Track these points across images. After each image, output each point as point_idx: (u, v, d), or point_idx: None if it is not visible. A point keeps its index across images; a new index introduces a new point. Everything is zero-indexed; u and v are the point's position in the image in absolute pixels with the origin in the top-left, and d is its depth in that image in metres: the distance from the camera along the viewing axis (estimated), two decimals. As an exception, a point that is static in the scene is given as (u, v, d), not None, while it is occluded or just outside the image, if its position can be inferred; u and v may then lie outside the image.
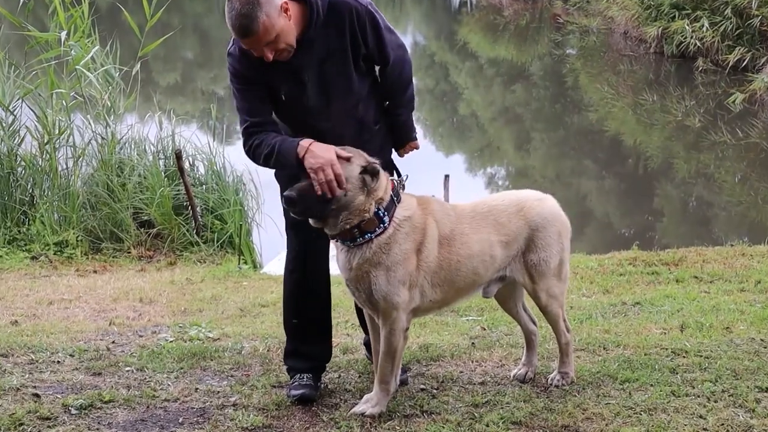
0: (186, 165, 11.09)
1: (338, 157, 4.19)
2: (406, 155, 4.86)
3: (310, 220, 4.31)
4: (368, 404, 4.49)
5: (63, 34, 10.83)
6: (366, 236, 4.26)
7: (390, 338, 4.41)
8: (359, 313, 5.03)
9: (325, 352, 4.93)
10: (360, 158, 4.27)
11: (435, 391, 4.83)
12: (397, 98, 4.69)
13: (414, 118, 4.89)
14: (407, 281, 4.32)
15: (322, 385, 4.85)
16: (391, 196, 4.33)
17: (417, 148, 4.86)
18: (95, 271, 9.43)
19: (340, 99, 4.48)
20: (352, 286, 4.41)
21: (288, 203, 4.20)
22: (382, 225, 4.27)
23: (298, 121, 4.52)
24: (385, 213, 4.28)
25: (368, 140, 4.57)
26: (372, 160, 4.28)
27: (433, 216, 4.42)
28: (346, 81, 4.45)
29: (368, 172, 4.22)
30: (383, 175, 4.32)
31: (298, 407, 4.58)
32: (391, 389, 4.54)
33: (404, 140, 4.80)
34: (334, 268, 4.67)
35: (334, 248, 4.53)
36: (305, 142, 4.25)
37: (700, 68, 22.02)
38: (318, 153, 4.20)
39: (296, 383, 4.74)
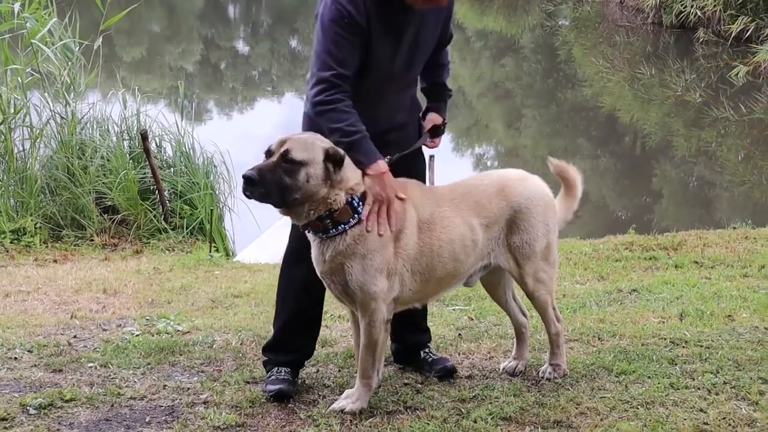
0: (152, 146, 11.07)
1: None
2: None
3: (279, 211, 4.33)
4: (348, 400, 4.50)
5: (17, 6, 10.75)
6: (339, 227, 4.27)
7: (370, 330, 4.42)
8: None
9: (309, 347, 4.97)
10: (323, 142, 4.27)
11: (419, 385, 4.84)
12: (444, 76, 4.99)
13: None
14: (384, 269, 4.33)
15: (300, 381, 4.86)
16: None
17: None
18: (55, 261, 9.40)
19: (416, 70, 4.76)
20: (327, 278, 4.42)
21: (247, 183, 4.17)
22: (356, 215, 4.29)
23: (371, 88, 4.58)
24: (360, 203, 4.30)
25: (413, 122, 4.87)
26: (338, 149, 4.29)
27: (411, 201, 4.43)
28: (427, 53, 4.73)
29: (331, 157, 4.23)
30: (351, 167, 4.31)
31: (274, 404, 4.58)
32: (373, 384, 4.55)
33: (443, 122, 4.99)
34: None
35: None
36: (382, 166, 4.35)
37: (701, 39, 22.11)
38: (387, 183, 4.33)
39: (273, 377, 4.75)
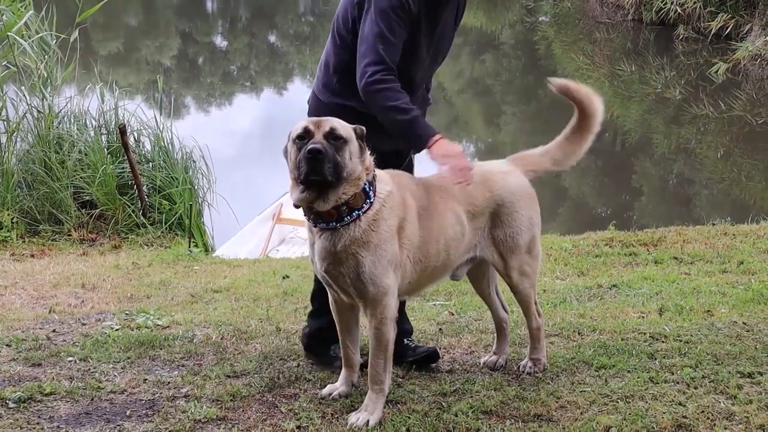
0: (131, 141, 11.06)
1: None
2: None
3: (301, 198, 4.19)
4: (366, 413, 4.34)
5: (-6, -1, 10.70)
6: (354, 213, 4.21)
7: (381, 329, 4.33)
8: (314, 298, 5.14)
9: None
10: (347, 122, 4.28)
11: (400, 379, 4.87)
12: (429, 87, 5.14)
13: None
14: (394, 262, 4.30)
15: (282, 375, 4.90)
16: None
17: None
18: (33, 256, 9.37)
19: (440, 59, 4.94)
20: (334, 271, 4.30)
21: (314, 157, 4.01)
22: (368, 201, 4.24)
23: (403, 76, 4.62)
24: (371, 187, 4.28)
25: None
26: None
27: (407, 189, 4.45)
28: (449, 42, 4.92)
29: (359, 135, 4.24)
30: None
31: (255, 398, 4.60)
32: (386, 389, 4.43)
33: None
34: None
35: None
36: (438, 135, 4.40)
37: (681, 36, 22.25)
38: (447, 146, 4.38)
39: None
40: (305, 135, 4.13)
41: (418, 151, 4.71)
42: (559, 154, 4.93)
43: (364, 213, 4.21)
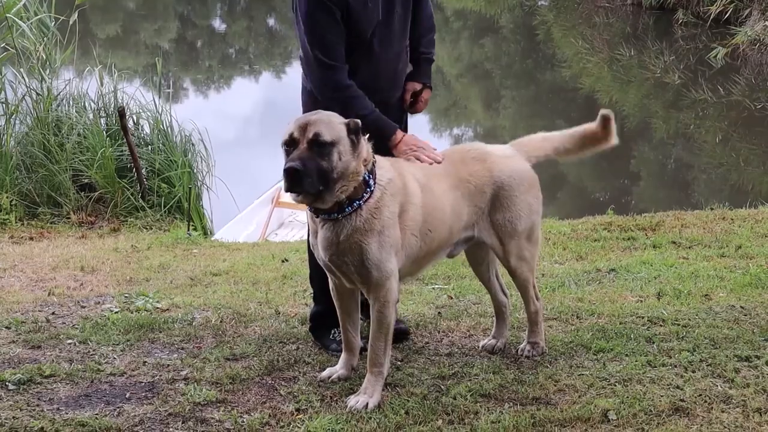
0: (130, 123, 11.04)
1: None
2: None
3: (298, 201, 4.24)
4: (365, 395, 4.35)
5: (-8, -20, 10.67)
6: (355, 204, 4.23)
7: (384, 312, 4.36)
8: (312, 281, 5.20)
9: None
10: (339, 117, 4.26)
11: (399, 363, 4.88)
12: (429, 36, 5.15)
13: None
14: (396, 246, 4.32)
15: (280, 358, 4.91)
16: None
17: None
18: (31, 238, 9.37)
19: (399, 20, 4.87)
20: (338, 261, 4.32)
21: (293, 176, 4.04)
22: (368, 190, 4.26)
23: (364, 48, 4.75)
24: (370, 176, 4.29)
25: (399, 89, 5.02)
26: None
27: (409, 173, 4.46)
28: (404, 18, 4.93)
29: (352, 130, 4.22)
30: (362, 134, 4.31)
31: (254, 381, 4.61)
32: (385, 372, 4.46)
33: (426, 84, 5.16)
34: None
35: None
36: (400, 132, 4.69)
37: (680, 21, 22.20)
38: (410, 141, 4.67)
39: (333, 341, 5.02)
40: (291, 142, 4.15)
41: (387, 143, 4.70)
42: (561, 147, 4.96)
43: (365, 202, 4.23)
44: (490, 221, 4.71)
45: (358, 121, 4.25)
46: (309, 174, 4.05)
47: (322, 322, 5.11)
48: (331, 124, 4.17)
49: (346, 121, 4.22)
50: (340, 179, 4.15)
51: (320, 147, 4.10)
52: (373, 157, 4.32)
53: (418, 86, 5.11)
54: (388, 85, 4.93)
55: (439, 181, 4.54)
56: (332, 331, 5.04)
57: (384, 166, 4.37)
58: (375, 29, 4.75)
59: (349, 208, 4.21)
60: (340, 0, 4.57)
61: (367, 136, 4.31)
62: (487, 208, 4.69)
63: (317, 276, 4.95)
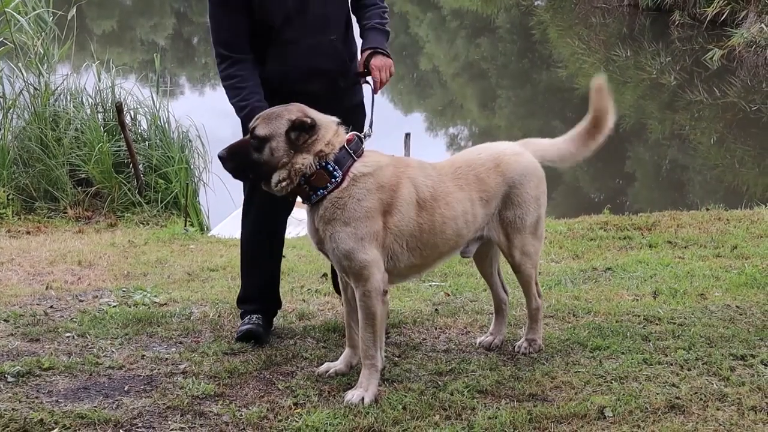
0: (127, 119, 11.04)
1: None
2: (382, 86, 5.02)
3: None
4: (361, 389, 4.37)
5: (-10, -25, 10.67)
6: (319, 192, 4.32)
7: (365, 301, 4.38)
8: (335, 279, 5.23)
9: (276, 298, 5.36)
10: (290, 113, 4.33)
11: (397, 358, 4.90)
12: (371, 9, 5.12)
13: None
14: (374, 239, 4.33)
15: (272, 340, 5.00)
16: (345, 149, 4.36)
17: (392, 71, 5.07)
18: (28, 233, 9.37)
19: (317, 6, 4.83)
20: (322, 248, 4.45)
21: (220, 161, 4.43)
22: (333, 180, 4.32)
23: (278, 35, 4.80)
24: (335, 167, 4.32)
25: (339, 69, 4.98)
26: (311, 115, 4.36)
27: (410, 179, 4.45)
28: None
29: (296, 128, 4.28)
30: (323, 128, 4.35)
31: (252, 375, 4.63)
32: (378, 365, 4.47)
33: (374, 48, 5.00)
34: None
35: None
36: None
37: (677, 22, 22.23)
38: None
39: (245, 322, 5.12)
40: (246, 132, 4.52)
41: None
42: (564, 150, 5.01)
43: (329, 192, 4.33)
44: (500, 218, 4.73)
45: (307, 120, 4.31)
46: (232, 160, 4.39)
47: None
48: (272, 119, 4.34)
49: (294, 118, 4.30)
50: (274, 171, 4.32)
51: (255, 140, 4.34)
52: (355, 151, 4.38)
53: (365, 54, 5.01)
54: (301, 76, 4.87)
55: (447, 202, 4.52)
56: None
57: (371, 161, 4.41)
58: (288, 17, 4.79)
59: (314, 196, 4.34)
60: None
61: (349, 128, 4.47)
62: (498, 206, 4.72)
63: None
